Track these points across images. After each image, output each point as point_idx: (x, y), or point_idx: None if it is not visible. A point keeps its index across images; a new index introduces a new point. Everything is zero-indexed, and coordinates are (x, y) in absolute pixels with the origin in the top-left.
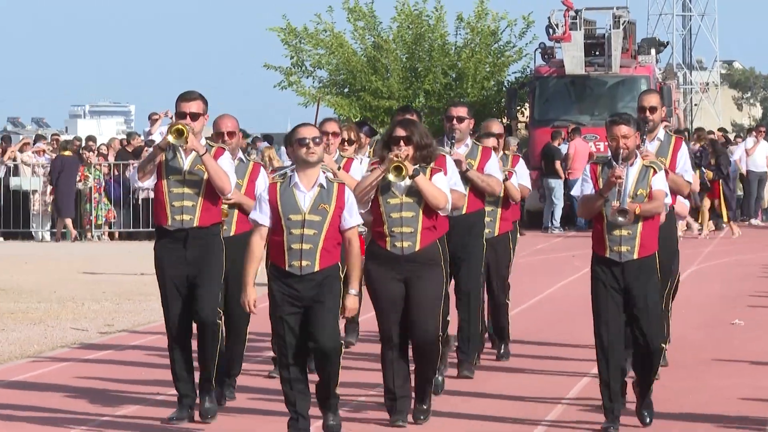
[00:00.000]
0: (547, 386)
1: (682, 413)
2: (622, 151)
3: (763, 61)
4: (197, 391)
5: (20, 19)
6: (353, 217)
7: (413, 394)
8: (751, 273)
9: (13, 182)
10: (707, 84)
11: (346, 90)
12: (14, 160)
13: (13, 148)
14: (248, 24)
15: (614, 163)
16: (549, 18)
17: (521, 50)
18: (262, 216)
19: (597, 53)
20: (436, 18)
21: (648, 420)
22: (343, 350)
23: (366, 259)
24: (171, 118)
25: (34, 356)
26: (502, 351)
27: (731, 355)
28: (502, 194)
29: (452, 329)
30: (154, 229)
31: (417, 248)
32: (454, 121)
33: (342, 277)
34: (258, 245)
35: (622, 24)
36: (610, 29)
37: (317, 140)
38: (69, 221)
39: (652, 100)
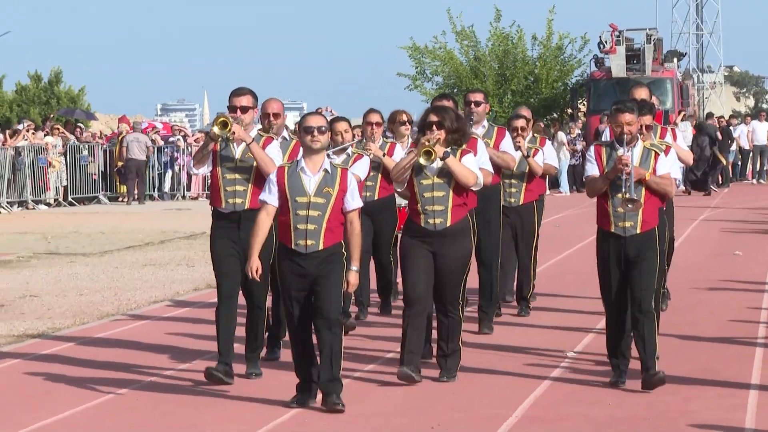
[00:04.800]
0: (556, 340)
1: (693, 322)
2: (626, 136)
3: (755, 66)
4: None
5: (241, 39)
6: (355, 200)
7: (439, 355)
8: (750, 218)
9: None
10: (714, 83)
11: (455, 90)
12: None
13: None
14: (385, 43)
15: (618, 146)
16: (600, 37)
17: (580, 60)
18: (270, 197)
19: (635, 61)
20: (518, 38)
21: (661, 375)
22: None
23: (402, 233)
24: (330, 112)
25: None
26: (522, 309)
27: (732, 277)
28: (527, 170)
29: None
30: None
31: (448, 224)
32: (472, 105)
33: (345, 255)
34: (264, 221)
35: (653, 40)
36: (644, 44)
37: (322, 129)
38: None
39: (642, 93)
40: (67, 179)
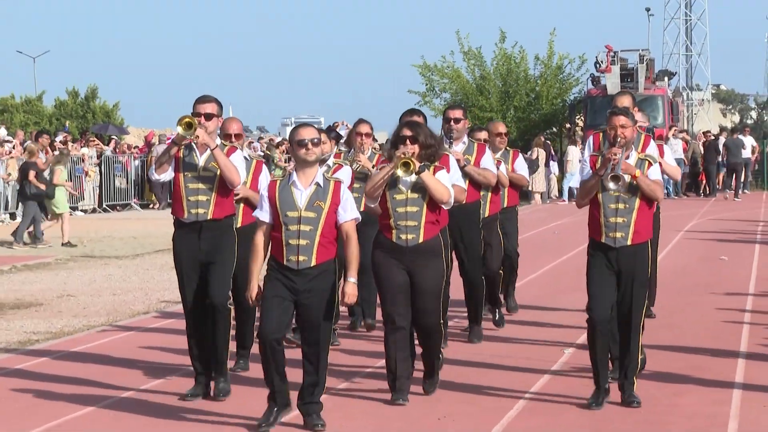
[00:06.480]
0: (535, 355)
1: (682, 322)
2: (619, 139)
3: (740, 84)
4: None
5: (254, 57)
6: (348, 212)
7: (424, 370)
8: (736, 226)
9: None
10: (702, 100)
11: (462, 106)
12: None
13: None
14: (398, 62)
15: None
16: (596, 57)
17: (578, 78)
18: (263, 213)
19: (629, 80)
20: (521, 58)
21: (636, 402)
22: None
23: (373, 248)
24: (346, 126)
25: None
26: (497, 317)
27: (719, 281)
28: (496, 179)
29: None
30: None
31: (420, 240)
32: (452, 122)
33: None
34: (260, 241)
35: (645, 60)
36: (637, 64)
37: (315, 141)
38: None
39: (626, 101)
40: (101, 187)
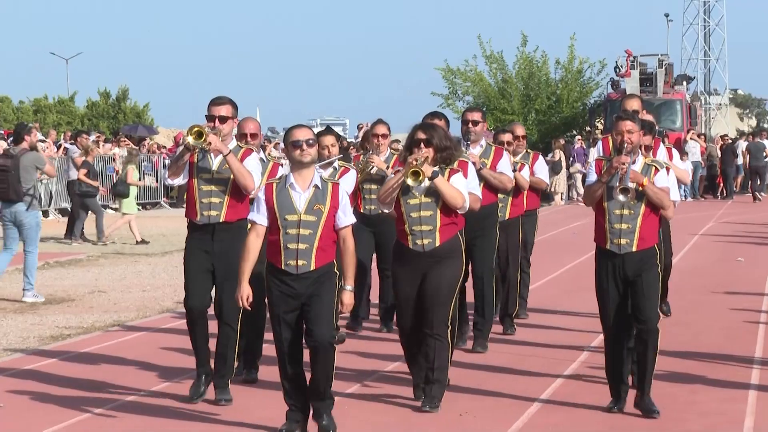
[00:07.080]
0: (553, 356)
1: (700, 321)
2: (626, 145)
3: (757, 89)
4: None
5: (278, 61)
6: (347, 216)
7: (424, 385)
8: (752, 228)
9: None
10: (720, 104)
11: (484, 109)
12: (270, 154)
13: (270, 146)
14: (422, 65)
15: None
16: (616, 62)
17: (598, 82)
18: (259, 216)
19: (648, 84)
20: (542, 62)
21: (656, 411)
22: (336, 347)
23: (392, 257)
24: (367, 125)
25: None
26: (507, 327)
27: (735, 281)
28: (513, 184)
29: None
30: None
31: (437, 244)
32: (470, 125)
33: (338, 274)
34: (254, 244)
35: (664, 65)
36: (656, 69)
37: (310, 142)
38: None
39: (634, 104)
40: None
